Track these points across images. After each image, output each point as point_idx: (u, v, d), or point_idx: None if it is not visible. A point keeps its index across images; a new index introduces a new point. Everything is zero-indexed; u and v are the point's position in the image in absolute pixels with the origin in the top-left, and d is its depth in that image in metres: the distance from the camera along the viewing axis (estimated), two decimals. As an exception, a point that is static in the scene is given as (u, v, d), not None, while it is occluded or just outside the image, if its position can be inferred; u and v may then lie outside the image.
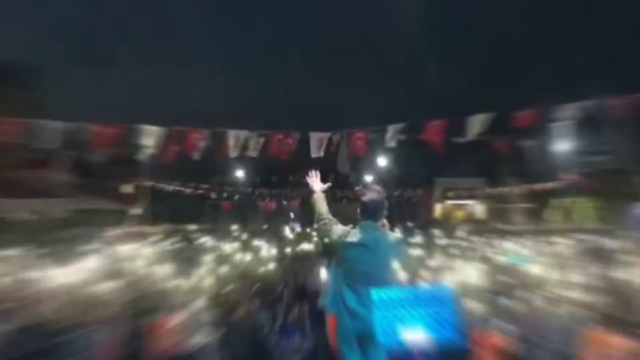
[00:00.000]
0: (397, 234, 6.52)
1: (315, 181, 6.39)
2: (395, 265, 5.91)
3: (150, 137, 13.40)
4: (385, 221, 6.05)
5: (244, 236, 29.21)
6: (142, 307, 11.71)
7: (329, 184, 6.44)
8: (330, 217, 6.15)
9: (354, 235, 5.85)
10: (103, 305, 11.67)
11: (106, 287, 13.34)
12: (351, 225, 6.04)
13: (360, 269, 5.82)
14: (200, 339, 10.56)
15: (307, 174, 6.38)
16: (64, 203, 36.57)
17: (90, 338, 10.94)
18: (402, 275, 6.37)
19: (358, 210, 5.91)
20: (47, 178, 40.98)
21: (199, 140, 13.94)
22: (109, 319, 11.01)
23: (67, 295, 12.75)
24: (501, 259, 18.47)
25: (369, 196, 5.92)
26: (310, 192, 6.37)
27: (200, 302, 11.99)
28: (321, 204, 6.21)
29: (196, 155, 14.28)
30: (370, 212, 5.88)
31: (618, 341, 9.54)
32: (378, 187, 6.11)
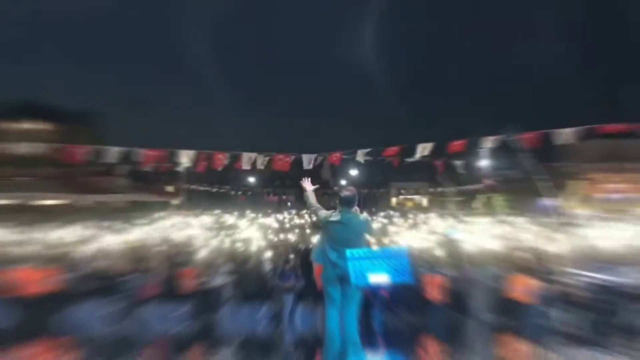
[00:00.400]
0: (365, 215, 6.70)
1: (307, 183, 6.81)
2: (364, 235, 6.29)
3: (184, 157, 14.09)
4: (357, 207, 6.39)
5: (253, 215, 28.91)
6: (176, 260, 11.41)
7: (316, 186, 6.89)
8: (317, 205, 6.56)
9: (335, 216, 6.19)
10: (148, 259, 11.39)
11: (151, 247, 13.11)
12: (332, 210, 6.34)
13: (339, 237, 6.12)
14: (219, 281, 10.19)
15: (302, 180, 6.90)
16: (121, 197, 36.61)
17: (139, 281, 10.65)
18: (369, 241, 6.78)
19: (337, 201, 6.30)
20: (109, 181, 40.91)
21: (222, 159, 14.50)
22: (152, 268, 10.72)
23: (123, 252, 12.48)
24: (438, 230, 18.70)
25: (344, 193, 6.32)
26: (303, 190, 6.79)
27: (220, 258, 11.68)
28: (311, 197, 6.65)
29: (219, 169, 14.98)
30: (346, 202, 6.26)
31: (530, 282, 9.61)
32: (351, 187, 6.56)
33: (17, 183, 33.98)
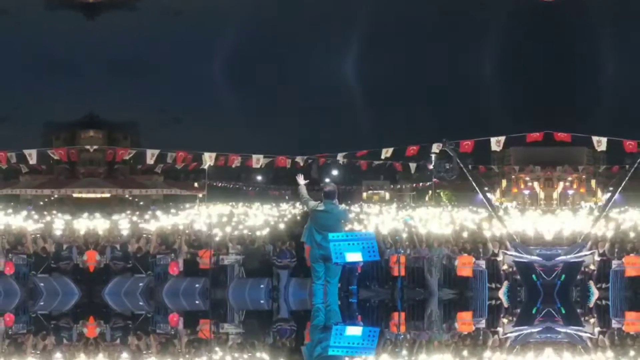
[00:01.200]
0: (344, 206, 6.62)
1: (300, 178, 6.60)
2: (343, 221, 6.20)
3: (207, 157, 13.72)
4: (336, 200, 6.30)
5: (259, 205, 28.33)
6: (196, 243, 10.92)
7: (307, 181, 6.69)
8: (308, 196, 6.38)
9: (320, 206, 6.08)
10: (174, 242, 10.90)
11: (176, 232, 12.56)
12: (319, 201, 6.19)
13: (324, 224, 5.94)
14: (229, 260, 9.74)
15: (297, 175, 6.75)
16: (155, 191, 35.64)
17: (166, 260, 10.16)
18: (347, 227, 6.97)
19: (322, 194, 6.23)
20: (147, 178, 40.19)
21: (235, 159, 14.15)
22: (177, 249, 10.25)
23: (155, 236, 11.93)
24: (398, 218, 18.48)
25: (328, 187, 6.39)
26: (298, 184, 6.56)
27: (231, 241, 11.18)
28: (303, 190, 6.42)
29: (234, 166, 14.63)
30: (328, 195, 6.18)
31: (471, 260, 9.41)
32: (332, 184, 6.76)
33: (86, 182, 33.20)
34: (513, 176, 47.62)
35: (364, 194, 62.99)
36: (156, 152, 12.26)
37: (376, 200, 54.05)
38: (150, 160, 12.43)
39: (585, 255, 7.97)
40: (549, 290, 6.85)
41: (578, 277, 7.63)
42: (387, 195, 59.28)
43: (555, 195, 45.88)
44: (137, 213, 20.39)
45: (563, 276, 7.17)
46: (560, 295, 6.86)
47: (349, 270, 8.27)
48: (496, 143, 11.08)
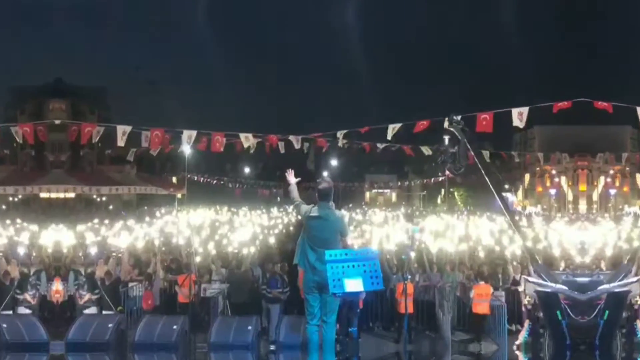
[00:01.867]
0: (342, 211, 6.05)
1: (290, 175, 5.85)
2: (340, 231, 5.50)
3: (186, 137, 12.35)
4: (332, 203, 5.64)
5: (248, 215, 28.12)
6: (174, 266, 10.86)
7: (299, 179, 5.97)
8: (299, 200, 5.77)
9: (314, 211, 5.46)
10: (149, 264, 10.82)
11: (152, 251, 12.46)
12: (312, 205, 5.57)
13: (318, 236, 5.41)
14: (212, 290, 9.68)
15: (286, 171, 5.99)
16: (128, 190, 34.67)
17: (140, 290, 10.05)
18: (345, 239, 5.86)
19: (316, 194, 5.54)
20: (118, 171, 39.65)
21: (220, 139, 13.01)
22: (152, 275, 10.17)
23: (127, 256, 11.83)
24: (405, 229, 18.29)
25: (322, 185, 5.50)
26: (287, 184, 5.94)
27: (214, 265, 11.12)
28: (294, 192, 5.78)
29: (219, 147, 13.25)
30: (323, 195, 5.44)
31: (489, 290, 9.29)
32: (328, 179, 5.96)
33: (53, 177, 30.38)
34: (537, 168, 46.14)
35: (367, 194, 62.24)
36: (128, 129, 11.56)
37: (381, 204, 53.19)
38: (121, 142, 11.53)
39: (632, 282, 6.39)
40: (581, 334, 5.53)
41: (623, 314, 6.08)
42: (394, 197, 58.49)
43: (595, 196, 40.79)
44: (107, 222, 20.29)
45: (606, 313, 5.61)
46: (603, 342, 5.40)
47: (348, 305, 8.13)
48: (518, 116, 9.61)
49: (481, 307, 9.00)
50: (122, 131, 11.35)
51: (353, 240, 14.49)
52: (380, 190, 59.28)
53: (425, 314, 9.45)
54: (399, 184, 52.81)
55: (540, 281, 7.24)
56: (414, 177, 51.64)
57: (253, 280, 10.27)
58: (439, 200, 46.37)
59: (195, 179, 43.24)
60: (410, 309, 8.97)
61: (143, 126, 12.37)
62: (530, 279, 7.88)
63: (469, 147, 7.78)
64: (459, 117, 7.57)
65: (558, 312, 6.25)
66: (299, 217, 6.76)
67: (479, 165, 7.45)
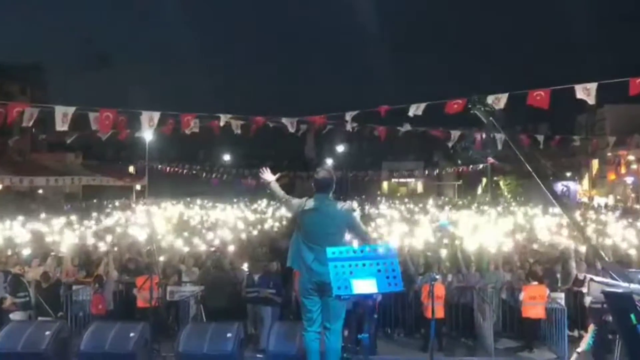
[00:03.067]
0: (347, 204, 5.91)
1: (267, 174, 6.05)
2: (344, 229, 5.61)
3: (147, 120, 12.16)
4: (332, 195, 5.75)
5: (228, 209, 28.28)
6: (132, 266, 10.95)
7: (277, 175, 6.20)
8: (286, 196, 5.92)
9: (310, 204, 5.59)
10: (100, 264, 10.91)
11: (103, 250, 12.60)
12: (306, 197, 5.70)
13: (315, 230, 5.53)
14: (180, 294, 9.77)
15: (261, 171, 6.17)
16: (70, 180, 34.83)
17: (88, 293, 10.18)
18: (351, 237, 6.15)
19: (312, 184, 5.68)
20: (56, 159, 39.77)
21: (190, 121, 13.05)
22: (105, 276, 10.26)
23: (71, 256, 11.96)
24: (434, 224, 18.44)
25: (320, 174, 5.65)
26: (265, 183, 6.08)
27: (185, 265, 11.22)
28: (276, 188, 5.99)
29: (188, 131, 13.48)
30: (321, 186, 5.60)
31: (543, 292, 9.44)
32: (328, 167, 6.00)
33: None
34: (609, 153, 46.28)
35: (384, 184, 61.84)
36: (70, 110, 11.46)
37: (403, 195, 53.17)
38: (60, 125, 11.34)
39: None
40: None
41: None
42: (420, 187, 58.29)
43: None
44: (42, 216, 20.42)
45: None
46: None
47: (361, 311, 8.23)
48: (583, 91, 9.55)
49: (534, 311, 9.13)
50: (62, 113, 11.24)
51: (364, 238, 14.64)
52: (402, 180, 59.35)
53: (461, 320, 9.61)
54: (426, 172, 52.88)
55: (609, 280, 7.37)
56: (445, 164, 51.70)
57: (235, 282, 10.36)
58: (479, 191, 46.53)
59: (159, 167, 43.33)
60: (441, 314, 9.13)
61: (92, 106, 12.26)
62: (596, 278, 8.15)
63: (500, 130, 7.84)
64: (482, 99, 7.67)
65: (632, 316, 6.26)
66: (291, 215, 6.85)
67: (517, 152, 7.53)
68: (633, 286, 6.44)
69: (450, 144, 18.38)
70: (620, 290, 6.25)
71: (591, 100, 9.95)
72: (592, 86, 9.81)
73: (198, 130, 14.51)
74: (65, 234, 14.99)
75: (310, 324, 5.52)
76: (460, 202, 37.26)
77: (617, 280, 6.83)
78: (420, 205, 30.67)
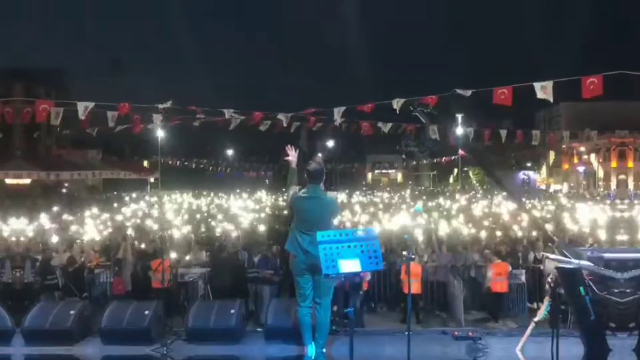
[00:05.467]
0: (333, 194, 6.18)
1: (291, 153, 5.90)
2: (333, 215, 5.76)
3: (159, 113, 12.32)
4: (323, 185, 5.77)
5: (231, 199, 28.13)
6: (147, 250, 10.89)
7: (296, 153, 5.98)
8: (294, 183, 5.84)
9: (304, 192, 5.63)
10: (118, 250, 10.85)
11: (122, 236, 12.50)
12: (300, 187, 5.72)
13: (309, 217, 5.57)
14: (192, 275, 9.74)
15: (286, 148, 5.98)
16: (92, 175, 34.47)
17: (109, 276, 10.16)
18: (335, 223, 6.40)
19: (305, 175, 5.67)
20: (80, 155, 39.41)
21: (197, 113, 12.99)
22: (123, 260, 10.22)
23: (93, 243, 11.91)
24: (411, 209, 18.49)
25: (312, 165, 5.64)
26: (288, 164, 5.90)
27: (193, 247, 11.21)
28: (292, 172, 5.88)
29: (197, 123, 13.55)
30: (314, 176, 5.60)
31: (507, 268, 9.51)
32: (318, 159, 5.86)
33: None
34: (564, 146, 46.72)
35: (369, 175, 62.32)
36: (90, 104, 11.34)
37: (385, 184, 53.69)
38: (83, 115, 11.26)
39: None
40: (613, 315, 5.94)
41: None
42: (400, 177, 58.78)
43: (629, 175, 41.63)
44: (67, 209, 20.26)
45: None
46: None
47: (349, 288, 8.26)
48: (541, 89, 9.46)
49: (499, 286, 9.20)
50: (84, 107, 11.11)
51: (353, 223, 14.81)
52: (384, 171, 59.53)
53: (435, 295, 9.66)
54: (405, 164, 53.04)
55: (562, 257, 7.39)
56: (421, 156, 52.00)
57: (238, 264, 10.35)
58: (450, 180, 46.77)
59: (170, 162, 43.12)
60: (418, 289, 9.17)
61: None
62: (551, 256, 8.15)
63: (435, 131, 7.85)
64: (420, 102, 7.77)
65: (581, 288, 6.30)
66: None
67: (465, 151, 7.51)
68: (582, 262, 6.50)
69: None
70: (571, 266, 6.31)
71: (550, 98, 9.88)
72: (549, 84, 9.73)
73: (200, 126, 14.19)
74: (87, 223, 14.87)
75: (303, 300, 5.58)
76: (434, 190, 37.39)
77: (568, 257, 6.93)
78: (400, 193, 30.74)
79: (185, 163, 45.21)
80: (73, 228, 14.26)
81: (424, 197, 27.91)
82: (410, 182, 52.70)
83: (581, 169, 46.90)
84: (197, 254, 10.73)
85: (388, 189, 39.42)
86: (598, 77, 9.32)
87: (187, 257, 10.46)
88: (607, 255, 6.59)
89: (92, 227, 14.03)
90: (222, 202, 25.79)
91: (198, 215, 17.60)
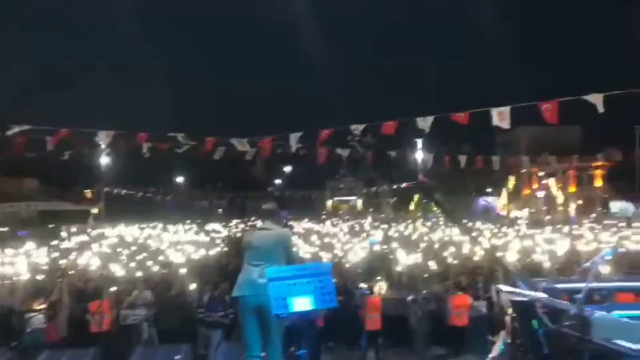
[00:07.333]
0: (286, 228, 6.19)
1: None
2: (285, 250, 5.68)
3: (102, 138, 11.69)
4: (284, 220, 6.38)
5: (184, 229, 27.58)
6: (87, 291, 10.49)
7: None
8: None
9: (257, 227, 5.98)
10: (54, 290, 10.38)
11: (58, 275, 12.00)
12: (259, 222, 6.07)
13: (257, 248, 5.60)
14: (135, 317, 9.41)
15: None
16: (26, 206, 33.14)
17: (43, 320, 9.65)
18: (292, 256, 6.03)
19: (261, 213, 6.01)
20: (13, 185, 37.80)
21: (144, 139, 12.61)
22: (59, 302, 9.77)
23: (26, 283, 11.35)
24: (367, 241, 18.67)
25: (265, 205, 6.02)
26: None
27: (136, 288, 10.83)
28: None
29: (144, 150, 13.01)
30: (267, 215, 5.88)
31: (467, 301, 9.67)
32: (273, 202, 6.18)
33: None
34: (523, 170, 48.29)
35: (328, 203, 62.56)
36: (25, 127, 10.86)
37: (345, 211, 53.91)
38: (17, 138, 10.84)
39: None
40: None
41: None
42: (360, 204, 59.39)
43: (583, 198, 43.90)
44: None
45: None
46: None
47: (303, 326, 8.18)
48: (498, 116, 9.70)
49: (459, 319, 9.30)
50: (17, 130, 10.69)
51: (306, 254, 14.76)
52: (344, 198, 59.90)
53: (396, 330, 9.69)
54: (365, 190, 53.61)
55: (515, 289, 7.55)
56: (382, 182, 52.74)
57: (186, 304, 10.11)
58: (411, 207, 47.45)
59: (115, 191, 41.90)
60: (378, 325, 9.18)
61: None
62: (504, 288, 8.26)
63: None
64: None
65: (534, 322, 6.43)
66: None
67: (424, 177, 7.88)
68: (536, 294, 6.59)
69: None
70: (524, 299, 6.38)
71: (506, 125, 10.17)
72: (506, 109, 10.04)
73: (150, 152, 13.99)
74: (19, 261, 14.19)
75: (250, 349, 5.46)
76: (393, 218, 37.83)
77: (523, 289, 7.08)
78: (360, 221, 30.97)
79: (132, 192, 44.03)
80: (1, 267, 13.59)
81: (383, 226, 28.21)
82: (371, 209, 53.09)
83: (541, 194, 48.65)
84: (142, 293, 10.40)
85: (347, 217, 39.64)
86: (553, 103, 9.91)
87: (130, 297, 10.13)
88: (561, 286, 6.86)
89: (24, 265, 13.42)
90: (171, 235, 25.25)
91: (143, 250, 17.12)
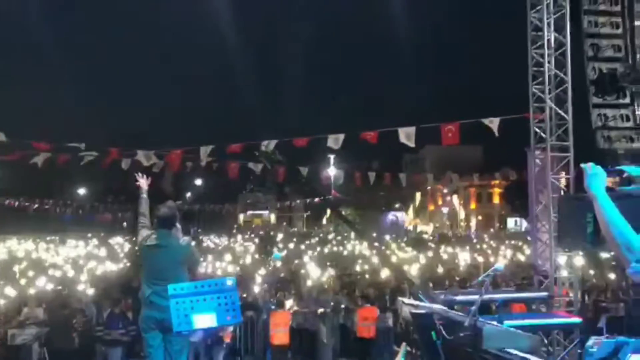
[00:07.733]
0: (187, 239, 5.73)
1: (142, 180, 5.78)
2: (186, 264, 5.37)
3: None
4: (179, 227, 5.52)
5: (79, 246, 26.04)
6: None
7: (149, 180, 5.87)
8: (147, 221, 5.53)
9: (152, 240, 5.29)
10: None
11: None
12: (152, 231, 5.37)
13: (157, 267, 5.26)
14: (23, 337, 8.76)
15: (137, 176, 5.87)
16: None
17: None
18: (195, 269, 6.01)
19: (155, 220, 5.41)
20: None
21: (42, 149, 11.98)
22: None
23: None
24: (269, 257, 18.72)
25: (161, 210, 5.40)
26: (139, 193, 5.70)
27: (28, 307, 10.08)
28: (145, 205, 5.61)
29: (38, 160, 12.20)
30: (163, 222, 5.34)
31: (373, 313, 9.95)
32: (170, 203, 5.62)
33: None
34: (428, 187, 51.08)
35: (241, 217, 61.70)
36: None
37: (257, 226, 53.58)
38: None
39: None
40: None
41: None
42: (273, 218, 59.24)
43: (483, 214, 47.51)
44: None
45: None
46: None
47: (210, 342, 8.05)
48: (405, 136, 10.15)
49: (366, 331, 9.55)
50: None
51: (212, 270, 14.52)
52: (257, 212, 59.54)
53: (305, 344, 9.74)
54: (278, 205, 53.70)
55: (415, 302, 7.90)
56: (294, 196, 53.18)
57: (83, 322, 9.56)
58: (324, 221, 48.27)
59: (7, 202, 38.76)
60: (286, 340, 9.20)
61: None
62: (406, 300, 8.62)
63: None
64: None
65: (433, 333, 6.72)
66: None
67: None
68: (435, 306, 6.88)
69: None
70: (423, 311, 6.59)
71: (411, 144, 10.73)
72: (411, 130, 10.61)
73: (49, 162, 13.13)
74: None
75: None
76: (307, 232, 38.25)
77: (423, 301, 7.42)
78: (271, 234, 30.97)
79: (26, 204, 40.85)
80: None
81: (295, 239, 28.44)
82: (284, 223, 53.17)
83: (445, 210, 51.43)
84: (33, 310, 9.69)
85: (261, 232, 39.50)
86: (455, 125, 10.63)
87: (20, 315, 9.41)
88: (459, 298, 7.26)
89: None
90: (70, 249, 23.77)
91: (37, 265, 15.99)
